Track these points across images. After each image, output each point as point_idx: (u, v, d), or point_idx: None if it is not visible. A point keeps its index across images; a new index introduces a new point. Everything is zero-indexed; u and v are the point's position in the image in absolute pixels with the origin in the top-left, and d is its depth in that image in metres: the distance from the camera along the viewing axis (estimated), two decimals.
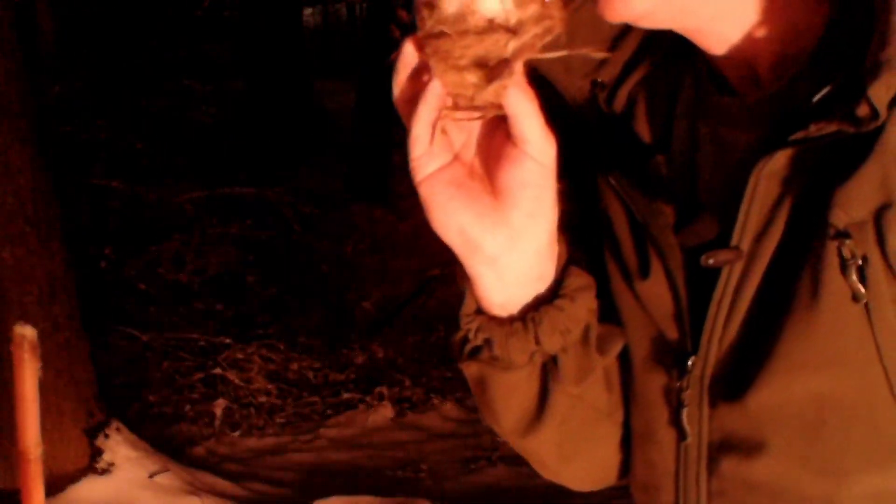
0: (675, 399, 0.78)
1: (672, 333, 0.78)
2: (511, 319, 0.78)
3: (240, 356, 5.64)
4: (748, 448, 0.74)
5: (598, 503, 4.43)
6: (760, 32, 0.74)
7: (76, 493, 3.89)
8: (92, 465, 3.99)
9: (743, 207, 0.71)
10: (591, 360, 0.82)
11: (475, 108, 0.70)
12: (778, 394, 0.71)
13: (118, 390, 4.88)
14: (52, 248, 3.89)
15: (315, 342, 6.23)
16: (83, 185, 6.05)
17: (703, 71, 0.80)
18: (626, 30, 0.84)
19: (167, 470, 4.12)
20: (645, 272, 0.80)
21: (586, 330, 0.80)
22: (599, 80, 0.84)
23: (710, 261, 0.72)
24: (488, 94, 0.69)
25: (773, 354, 0.71)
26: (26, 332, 2.00)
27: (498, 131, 0.73)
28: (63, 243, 3.98)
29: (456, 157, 0.74)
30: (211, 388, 5.42)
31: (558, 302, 0.78)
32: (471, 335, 0.80)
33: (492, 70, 0.67)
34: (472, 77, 0.68)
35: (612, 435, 0.88)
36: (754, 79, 0.76)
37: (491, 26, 0.66)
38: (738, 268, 0.72)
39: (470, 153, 0.75)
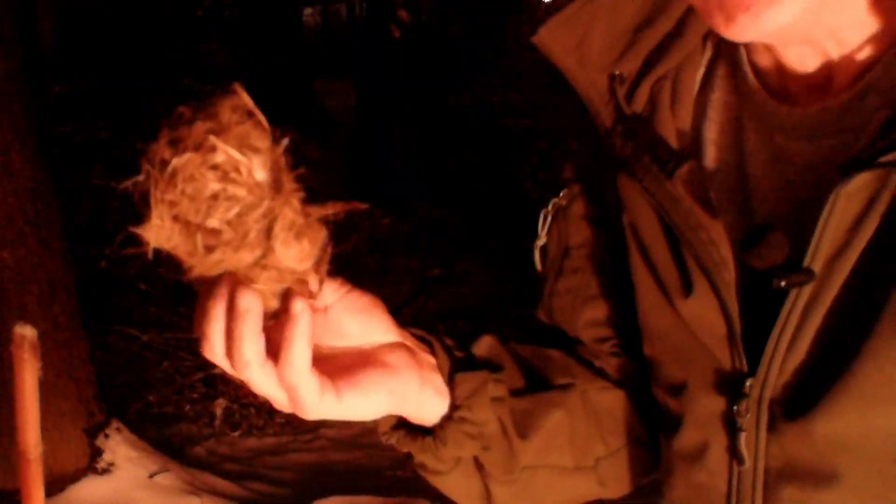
0: (730, 423, 0.74)
1: (723, 354, 0.74)
2: (423, 434, 0.77)
3: None
4: (815, 478, 0.70)
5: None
6: (872, 39, 0.68)
7: (76, 493, 3.88)
8: (92, 465, 3.98)
9: (818, 228, 0.66)
10: (514, 447, 0.79)
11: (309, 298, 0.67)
12: (853, 425, 0.67)
13: (118, 390, 4.88)
14: (52, 248, 3.89)
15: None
16: (83, 185, 6.04)
17: (749, 73, 0.75)
18: (649, 19, 0.78)
19: (167, 470, 4.12)
20: (688, 290, 0.75)
21: (500, 422, 0.78)
22: (618, 73, 0.79)
23: (783, 283, 0.67)
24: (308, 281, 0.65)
25: (849, 383, 0.66)
26: (26, 332, 2.00)
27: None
28: (63, 243, 3.98)
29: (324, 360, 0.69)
30: (211, 388, 5.42)
31: (457, 414, 0.75)
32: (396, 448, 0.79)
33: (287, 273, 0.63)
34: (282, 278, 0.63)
35: (585, 480, 0.86)
36: (821, 86, 0.71)
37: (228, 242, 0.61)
38: (808, 289, 0.67)
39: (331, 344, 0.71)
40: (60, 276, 3.92)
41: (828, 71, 0.71)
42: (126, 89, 6.80)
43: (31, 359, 2.05)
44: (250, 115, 0.61)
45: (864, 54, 0.69)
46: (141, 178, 0.60)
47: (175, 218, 0.60)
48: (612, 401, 0.86)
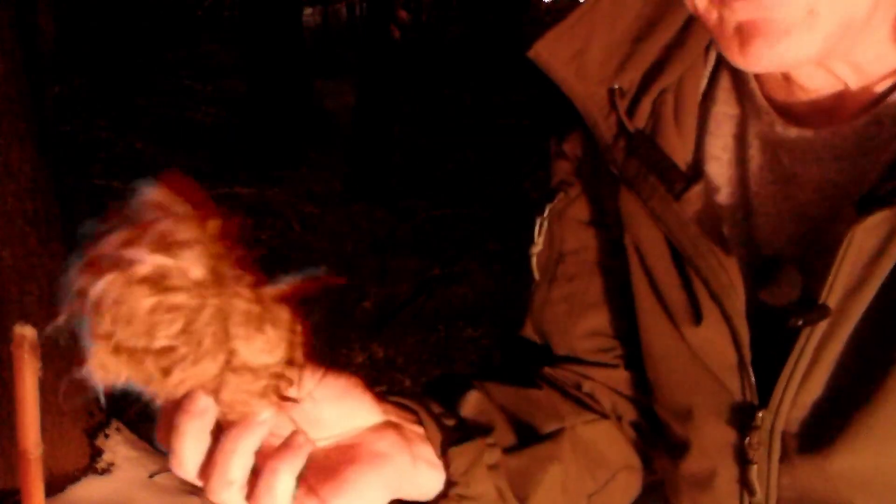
0: (741, 454, 0.72)
1: (732, 384, 0.72)
2: None
3: None
4: None
5: None
6: (889, 65, 0.67)
7: (76, 493, 3.88)
8: (92, 465, 3.98)
9: (835, 264, 0.64)
10: None
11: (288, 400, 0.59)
12: (868, 460, 0.66)
13: (118, 390, 4.87)
14: (52, 248, 3.88)
15: (315, 342, 6.21)
16: (83, 185, 6.04)
17: (756, 90, 0.73)
18: (648, 29, 0.76)
19: (167, 470, 4.11)
20: (697, 317, 0.73)
21: (498, 491, 0.74)
22: (618, 86, 0.76)
23: (800, 322, 0.66)
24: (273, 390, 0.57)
25: (865, 419, 0.65)
26: (26, 332, 2.00)
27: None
28: (63, 243, 3.98)
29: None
30: None
31: (453, 492, 0.72)
32: None
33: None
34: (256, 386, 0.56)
35: None
36: (831, 110, 0.70)
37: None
38: (823, 324, 0.66)
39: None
40: (60, 276, 3.91)
41: (840, 95, 0.69)
42: (126, 89, 6.80)
43: (31, 359, 2.05)
44: (169, 207, 0.52)
45: (881, 80, 0.68)
46: (64, 319, 0.51)
47: (116, 349, 0.53)
48: (599, 434, 0.84)
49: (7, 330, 2.15)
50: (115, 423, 4.17)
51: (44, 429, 2.08)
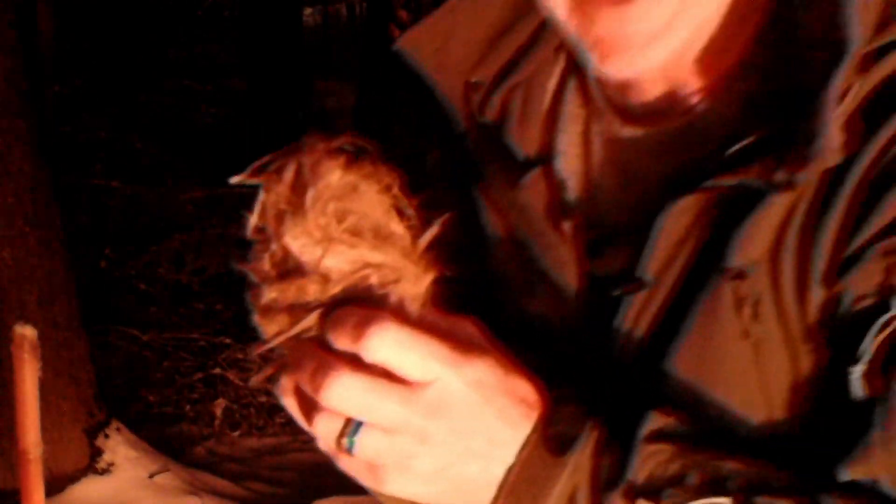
0: None
1: (564, 351, 0.78)
2: None
3: (240, 356, 5.64)
4: None
5: None
6: (715, 65, 0.72)
7: (76, 493, 3.89)
8: (92, 465, 3.99)
9: (650, 241, 0.71)
10: None
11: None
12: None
13: (118, 390, 4.88)
14: (52, 248, 3.89)
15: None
16: (83, 185, 6.04)
17: (594, 91, 0.78)
18: (505, 30, 0.82)
19: (167, 470, 4.12)
20: (531, 291, 0.79)
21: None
22: (473, 80, 0.82)
23: (617, 292, 0.73)
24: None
25: (667, 383, 0.71)
26: (26, 332, 2.00)
27: None
28: (63, 243, 3.98)
29: None
30: (211, 388, 5.42)
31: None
32: None
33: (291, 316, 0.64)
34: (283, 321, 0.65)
35: None
36: (664, 109, 0.75)
37: (300, 271, 0.63)
38: (641, 296, 0.72)
39: None
40: (60, 276, 3.92)
41: (672, 95, 0.74)
42: (126, 89, 6.80)
43: (31, 359, 2.05)
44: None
45: (706, 79, 0.73)
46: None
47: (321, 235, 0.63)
48: None
49: (7, 330, 2.15)
50: (115, 423, 4.17)
51: (44, 429, 2.08)
